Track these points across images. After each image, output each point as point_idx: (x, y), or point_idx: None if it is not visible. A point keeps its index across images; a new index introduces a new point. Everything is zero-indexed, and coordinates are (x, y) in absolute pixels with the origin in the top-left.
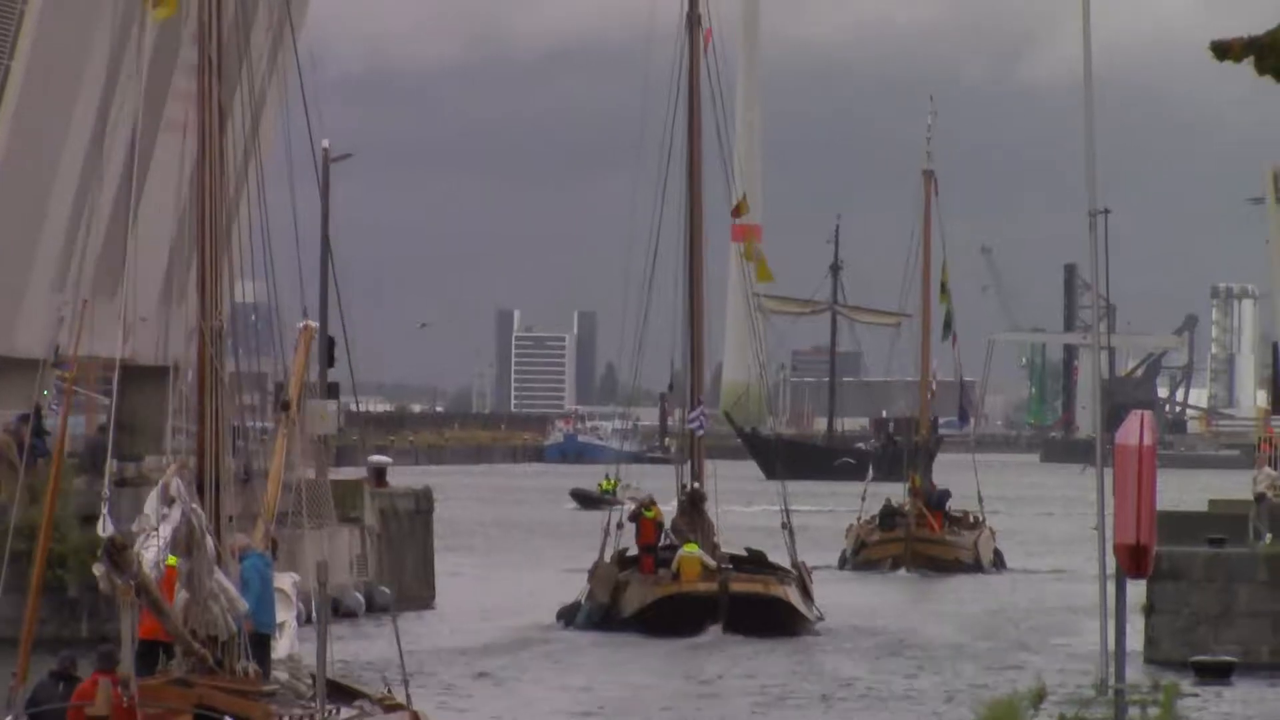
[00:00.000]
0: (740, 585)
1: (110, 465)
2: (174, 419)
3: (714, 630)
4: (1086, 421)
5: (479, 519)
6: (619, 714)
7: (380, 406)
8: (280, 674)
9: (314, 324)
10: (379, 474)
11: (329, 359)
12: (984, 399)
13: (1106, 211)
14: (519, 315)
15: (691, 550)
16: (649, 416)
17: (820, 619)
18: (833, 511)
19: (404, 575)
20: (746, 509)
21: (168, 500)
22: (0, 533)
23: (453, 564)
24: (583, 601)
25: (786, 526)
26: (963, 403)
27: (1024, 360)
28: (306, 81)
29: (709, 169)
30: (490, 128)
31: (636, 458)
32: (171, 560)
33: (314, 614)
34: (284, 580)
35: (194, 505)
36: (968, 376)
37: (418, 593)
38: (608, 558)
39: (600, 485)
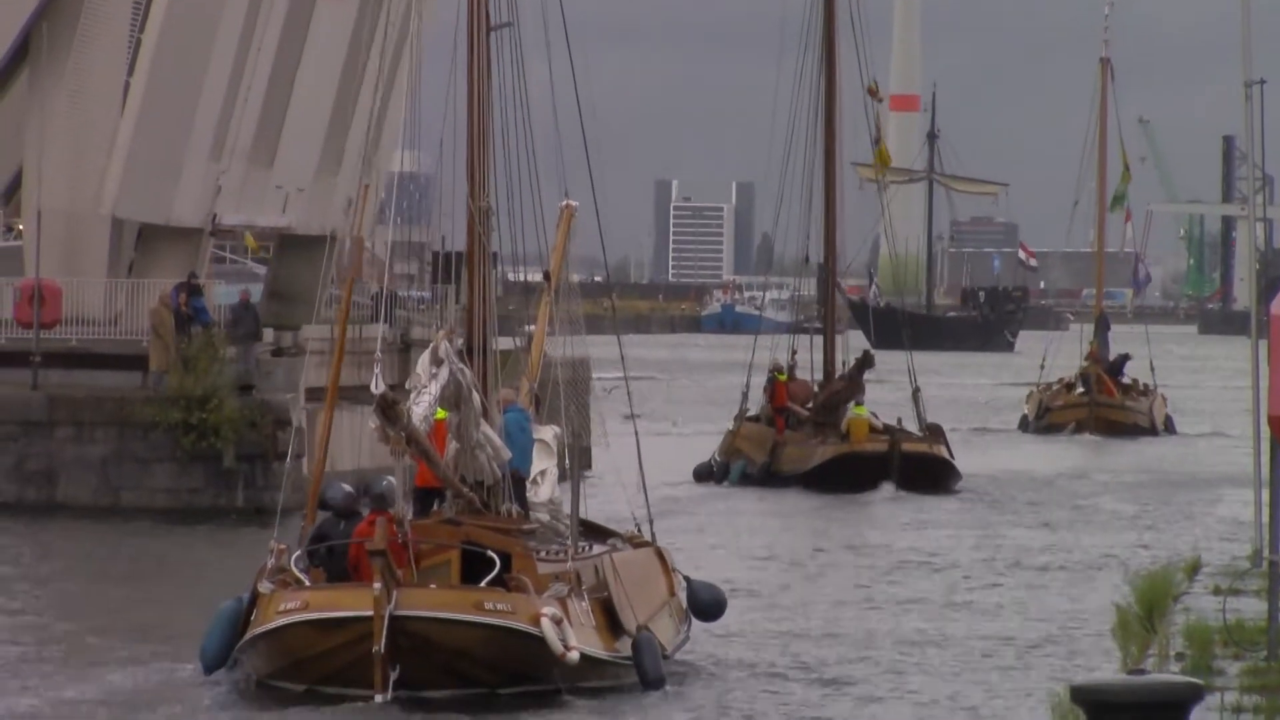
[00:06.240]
0: (909, 445)
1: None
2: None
3: (886, 487)
4: (1244, 293)
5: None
6: (817, 564)
7: (538, 277)
8: (541, 515)
9: (574, 203)
10: None
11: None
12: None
13: (1262, 81)
14: (677, 185)
15: (861, 412)
16: (806, 287)
17: (961, 478)
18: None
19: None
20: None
21: (437, 361)
22: (158, 401)
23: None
24: (728, 462)
25: (916, 392)
26: (1135, 272)
27: (1182, 232)
28: None
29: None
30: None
31: (793, 328)
32: (442, 414)
33: (569, 464)
34: (545, 432)
35: (461, 366)
36: (1128, 249)
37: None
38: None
39: None
